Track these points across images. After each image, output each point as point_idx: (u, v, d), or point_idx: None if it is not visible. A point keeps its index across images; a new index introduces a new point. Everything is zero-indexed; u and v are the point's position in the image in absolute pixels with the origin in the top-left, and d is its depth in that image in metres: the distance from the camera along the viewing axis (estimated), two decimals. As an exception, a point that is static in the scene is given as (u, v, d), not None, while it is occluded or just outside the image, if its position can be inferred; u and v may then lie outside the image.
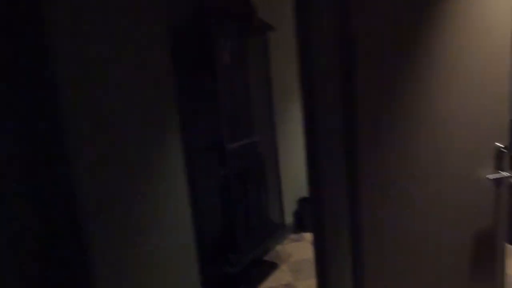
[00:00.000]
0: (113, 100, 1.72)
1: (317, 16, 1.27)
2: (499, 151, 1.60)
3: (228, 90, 2.66)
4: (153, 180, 1.98)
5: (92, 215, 1.61)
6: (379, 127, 1.44)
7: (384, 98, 1.44)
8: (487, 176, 1.59)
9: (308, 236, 3.60)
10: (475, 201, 1.63)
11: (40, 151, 1.63)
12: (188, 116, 2.46)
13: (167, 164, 2.09)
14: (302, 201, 3.67)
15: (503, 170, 1.62)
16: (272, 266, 3.08)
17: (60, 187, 1.59)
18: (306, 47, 1.26)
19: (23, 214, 1.59)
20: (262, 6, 2.95)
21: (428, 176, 1.53)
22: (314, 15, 1.27)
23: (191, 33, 2.47)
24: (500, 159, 1.61)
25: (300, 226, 3.69)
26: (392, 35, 1.41)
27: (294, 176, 3.58)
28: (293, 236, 3.61)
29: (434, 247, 1.61)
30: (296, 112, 3.52)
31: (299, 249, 3.34)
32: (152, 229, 1.95)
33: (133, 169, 1.85)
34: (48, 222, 1.67)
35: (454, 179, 1.58)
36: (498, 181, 1.64)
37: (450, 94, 1.52)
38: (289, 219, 3.63)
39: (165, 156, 2.08)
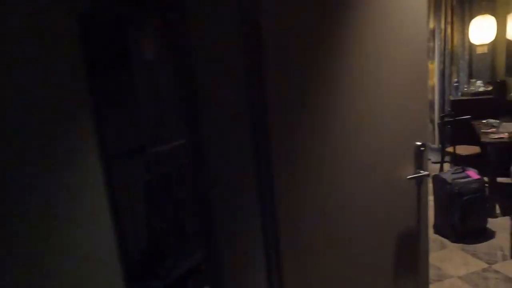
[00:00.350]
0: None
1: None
2: (418, 149, 1.57)
3: (152, 87, 2.44)
4: (62, 193, 1.73)
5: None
6: (293, 131, 1.33)
7: (299, 97, 1.33)
8: (407, 177, 1.55)
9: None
10: (398, 201, 1.59)
11: None
12: (105, 118, 2.21)
13: (79, 173, 1.84)
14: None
15: (422, 169, 1.59)
16: (210, 274, 2.92)
17: None
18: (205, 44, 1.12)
19: None
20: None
21: (348, 179, 1.46)
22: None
23: (105, 24, 2.22)
24: (420, 158, 1.59)
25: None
26: (304, 34, 1.30)
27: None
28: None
29: (357, 249, 1.54)
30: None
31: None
32: (64, 251, 1.70)
33: (34, 183, 1.59)
34: None
35: (377, 181, 1.52)
36: (419, 180, 1.61)
37: (369, 95, 1.45)
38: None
39: (77, 164, 1.84)
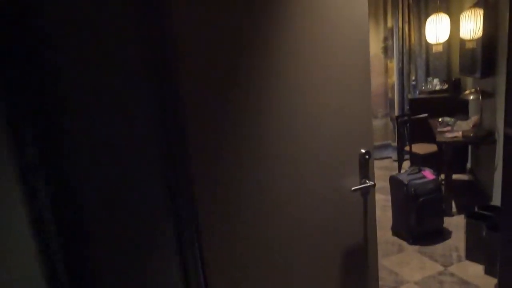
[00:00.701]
0: None
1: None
2: (363, 158, 1.44)
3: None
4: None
5: None
6: (217, 139, 1.15)
7: (224, 100, 1.15)
8: (352, 188, 1.41)
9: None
10: (343, 214, 1.45)
11: None
12: (20, 124, 1.92)
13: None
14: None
15: (368, 178, 1.46)
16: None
17: None
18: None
19: None
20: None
21: (285, 191, 1.29)
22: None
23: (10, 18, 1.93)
24: (366, 167, 1.46)
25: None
26: (227, 28, 1.12)
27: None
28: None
29: (299, 265, 1.39)
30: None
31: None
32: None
33: None
34: None
35: (318, 193, 1.37)
36: (365, 191, 1.49)
37: (305, 98, 1.29)
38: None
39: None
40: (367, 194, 1.48)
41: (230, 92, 1.14)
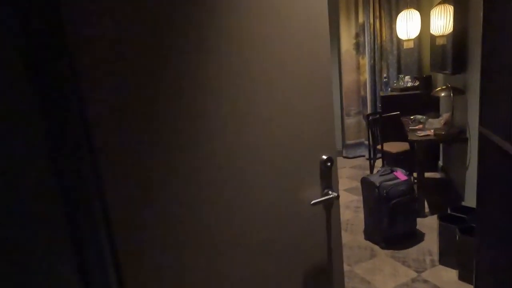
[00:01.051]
0: None
1: None
2: (324, 165, 1.25)
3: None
4: None
5: None
6: (140, 143, 0.92)
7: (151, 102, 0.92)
8: (312, 201, 1.21)
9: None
10: (301, 231, 1.26)
11: None
12: None
13: None
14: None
15: (331, 189, 1.28)
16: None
17: None
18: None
19: None
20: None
21: (231, 207, 1.08)
22: None
23: None
24: (328, 176, 1.27)
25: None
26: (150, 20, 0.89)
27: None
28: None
29: (256, 300, 1.19)
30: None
31: None
32: None
33: None
34: None
35: (276, 210, 1.17)
36: (328, 203, 1.30)
37: (257, 97, 1.08)
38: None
39: None
40: (330, 206, 1.29)
41: (153, 95, 0.91)
